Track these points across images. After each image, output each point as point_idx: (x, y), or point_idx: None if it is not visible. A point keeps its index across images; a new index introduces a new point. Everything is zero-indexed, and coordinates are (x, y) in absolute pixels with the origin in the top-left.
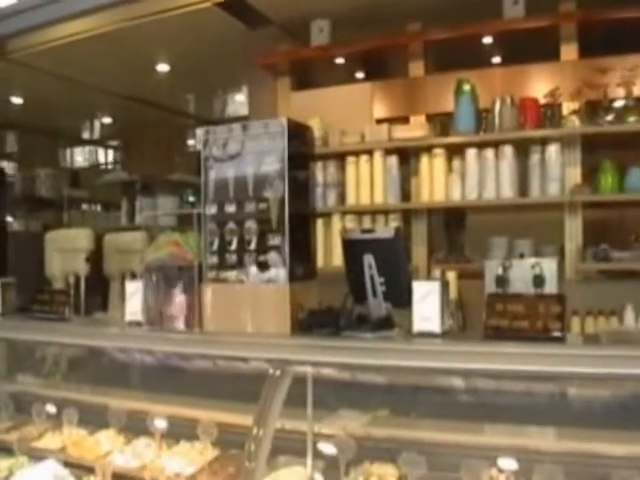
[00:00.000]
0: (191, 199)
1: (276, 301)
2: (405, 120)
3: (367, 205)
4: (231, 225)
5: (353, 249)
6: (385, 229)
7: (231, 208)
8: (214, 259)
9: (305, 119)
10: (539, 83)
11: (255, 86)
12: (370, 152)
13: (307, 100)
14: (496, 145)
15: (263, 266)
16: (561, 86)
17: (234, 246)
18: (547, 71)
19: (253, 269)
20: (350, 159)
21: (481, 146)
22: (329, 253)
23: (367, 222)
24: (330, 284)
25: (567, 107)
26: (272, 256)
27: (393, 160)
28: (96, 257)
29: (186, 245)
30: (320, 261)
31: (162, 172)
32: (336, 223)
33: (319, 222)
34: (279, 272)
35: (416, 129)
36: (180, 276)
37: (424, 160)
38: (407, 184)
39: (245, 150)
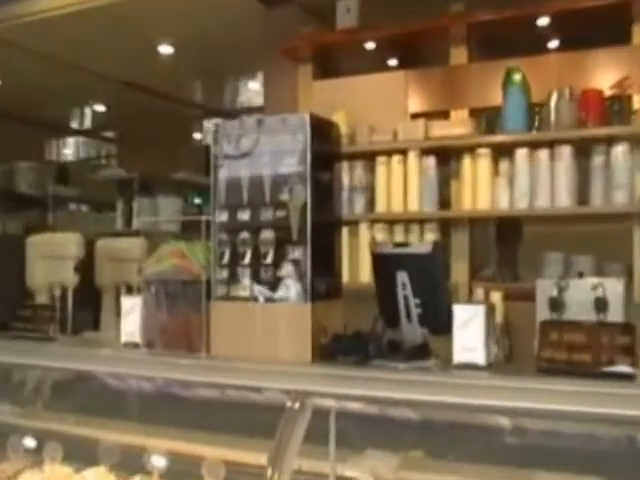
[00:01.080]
0: (197, 201)
1: (295, 323)
2: (444, 115)
3: (400, 213)
4: (244, 235)
5: (384, 265)
6: (422, 243)
7: (245, 215)
8: (224, 273)
9: (329, 112)
10: (604, 72)
11: (272, 73)
12: (404, 152)
13: (331, 91)
14: (551, 145)
15: (281, 282)
16: (631, 75)
17: (247, 259)
18: (614, 57)
19: (269, 286)
20: (380, 160)
21: (534, 146)
22: (356, 267)
23: (399, 232)
24: (357, 304)
25: (638, 100)
26: (291, 271)
27: (430, 161)
28: (86, 266)
29: (192, 257)
30: (345, 276)
31: (164, 169)
32: (364, 233)
33: (344, 231)
34: (299, 290)
35: (457, 126)
36: (185, 292)
37: (466, 162)
38: (446, 189)
39: (260, 148)
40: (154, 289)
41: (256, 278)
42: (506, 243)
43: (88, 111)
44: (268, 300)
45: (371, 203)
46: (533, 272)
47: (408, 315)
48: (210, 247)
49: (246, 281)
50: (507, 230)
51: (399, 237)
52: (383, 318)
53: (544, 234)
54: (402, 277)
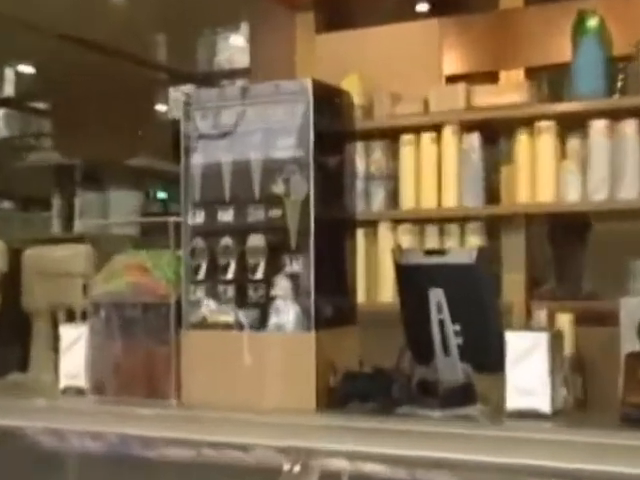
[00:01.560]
0: (162, 196)
1: (294, 358)
2: (492, 78)
3: (432, 209)
4: (226, 241)
5: (413, 280)
6: (462, 250)
7: (226, 215)
8: (200, 293)
9: (337, 77)
10: None
11: (261, 25)
12: (437, 128)
13: (341, 47)
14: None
15: (275, 304)
16: None
17: (231, 274)
18: None
19: (259, 309)
20: (406, 139)
21: (615, 116)
22: (374, 283)
23: (432, 236)
24: (377, 332)
25: None
26: (289, 289)
27: (473, 140)
28: (10, 283)
29: (157, 271)
30: (361, 295)
31: (117, 154)
32: (385, 236)
33: (359, 235)
34: (299, 314)
35: (510, 92)
36: (147, 319)
37: (523, 140)
38: (495, 177)
39: (246, 125)
40: (105, 315)
41: (242, 299)
42: (568, 249)
43: (10, 73)
44: (258, 328)
45: (394, 197)
46: (614, 287)
47: (445, 346)
48: (180, 258)
49: (229, 303)
50: (575, 231)
51: (432, 242)
52: (412, 350)
53: (630, 237)
54: (437, 296)
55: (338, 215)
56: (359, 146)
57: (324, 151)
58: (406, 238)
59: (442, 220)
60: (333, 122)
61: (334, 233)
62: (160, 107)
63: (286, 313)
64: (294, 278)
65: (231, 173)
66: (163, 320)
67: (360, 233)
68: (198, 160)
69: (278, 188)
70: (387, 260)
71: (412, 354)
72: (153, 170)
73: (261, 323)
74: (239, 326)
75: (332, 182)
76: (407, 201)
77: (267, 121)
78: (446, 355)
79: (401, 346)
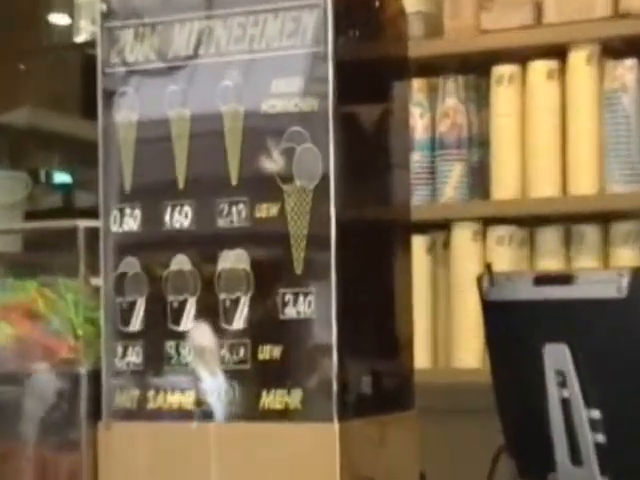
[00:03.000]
0: (61, 179)
1: (304, 469)
2: None
3: (551, 200)
4: (180, 262)
5: (514, 327)
6: (603, 274)
7: (181, 216)
8: (133, 356)
9: None
10: None
11: None
12: (560, 51)
13: None
14: None
15: (267, 373)
16: None
17: (188, 320)
18: None
19: (239, 382)
20: (502, 71)
21: None
22: (445, 334)
23: (549, 248)
24: (450, 420)
25: None
26: (292, 346)
27: (627, 72)
28: None
29: (56, 317)
30: (423, 356)
31: None
32: (463, 250)
33: (417, 247)
34: (311, 390)
35: None
36: (40, 401)
37: None
38: None
39: (214, 53)
40: None
41: (209, 365)
42: None
43: None
44: (239, 416)
45: (481, 179)
46: None
47: (573, 448)
48: (98, 293)
49: (185, 373)
50: None
51: (548, 259)
52: (513, 455)
53: None
54: (558, 356)
55: (378, 214)
56: (419, 88)
57: (353, 100)
58: (502, 253)
59: (567, 219)
60: (369, 45)
61: (371, 246)
62: (58, 18)
63: (290, 389)
64: (301, 328)
65: (188, 140)
66: (67, 405)
67: (419, 244)
68: (128, 116)
69: (272, 166)
70: (468, 293)
71: (514, 460)
72: (45, 133)
73: (243, 408)
74: (203, 414)
75: (367, 155)
76: (503, 186)
77: (251, 46)
78: (575, 464)
79: (499, 446)
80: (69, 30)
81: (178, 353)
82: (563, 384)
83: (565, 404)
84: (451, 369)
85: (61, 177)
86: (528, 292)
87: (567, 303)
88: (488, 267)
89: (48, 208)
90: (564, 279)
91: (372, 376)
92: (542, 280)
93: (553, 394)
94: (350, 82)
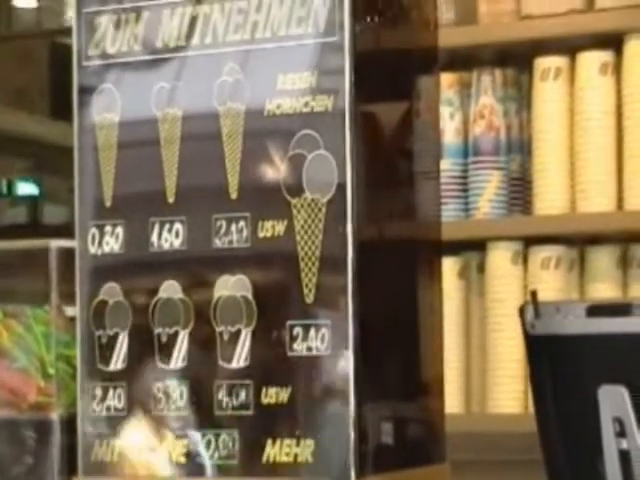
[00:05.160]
0: (26, 190)
1: None
2: None
3: (606, 215)
4: (170, 288)
5: (563, 365)
6: None
7: (170, 234)
8: (114, 400)
9: None
10: None
11: None
12: (615, 40)
13: None
14: None
15: (273, 422)
16: None
17: (179, 358)
18: None
19: (239, 432)
20: (549, 63)
21: None
22: (482, 373)
23: (604, 273)
24: (488, 473)
25: None
26: (302, 389)
27: None
28: None
29: (22, 353)
30: (455, 400)
31: None
32: (502, 273)
33: (447, 270)
34: (326, 442)
35: None
36: (5, 455)
37: None
38: None
39: (208, 43)
40: None
41: (204, 413)
42: None
43: None
44: (237, 474)
45: (522, 190)
46: None
47: None
48: (73, 325)
49: (176, 421)
50: None
51: (602, 285)
52: None
53: None
54: (615, 400)
55: (403, 232)
56: (449, 84)
57: (373, 98)
58: (547, 277)
59: (623, 238)
60: (392, 34)
61: (394, 270)
62: (22, 1)
63: (300, 443)
64: (312, 366)
65: (179, 144)
66: (36, 458)
67: (450, 268)
68: (108, 117)
69: (278, 176)
70: (508, 325)
71: None
72: (8, 136)
73: (244, 461)
74: (197, 468)
75: (389, 163)
76: (548, 199)
77: (253, 35)
78: None
79: None
80: (37, 15)
81: (167, 398)
82: (622, 433)
83: (624, 456)
84: (488, 415)
85: (26, 188)
86: (580, 325)
87: (626, 337)
88: (533, 295)
89: (10, 224)
90: (621, 309)
91: (395, 423)
92: (596, 311)
93: (610, 445)
94: (370, 77)
